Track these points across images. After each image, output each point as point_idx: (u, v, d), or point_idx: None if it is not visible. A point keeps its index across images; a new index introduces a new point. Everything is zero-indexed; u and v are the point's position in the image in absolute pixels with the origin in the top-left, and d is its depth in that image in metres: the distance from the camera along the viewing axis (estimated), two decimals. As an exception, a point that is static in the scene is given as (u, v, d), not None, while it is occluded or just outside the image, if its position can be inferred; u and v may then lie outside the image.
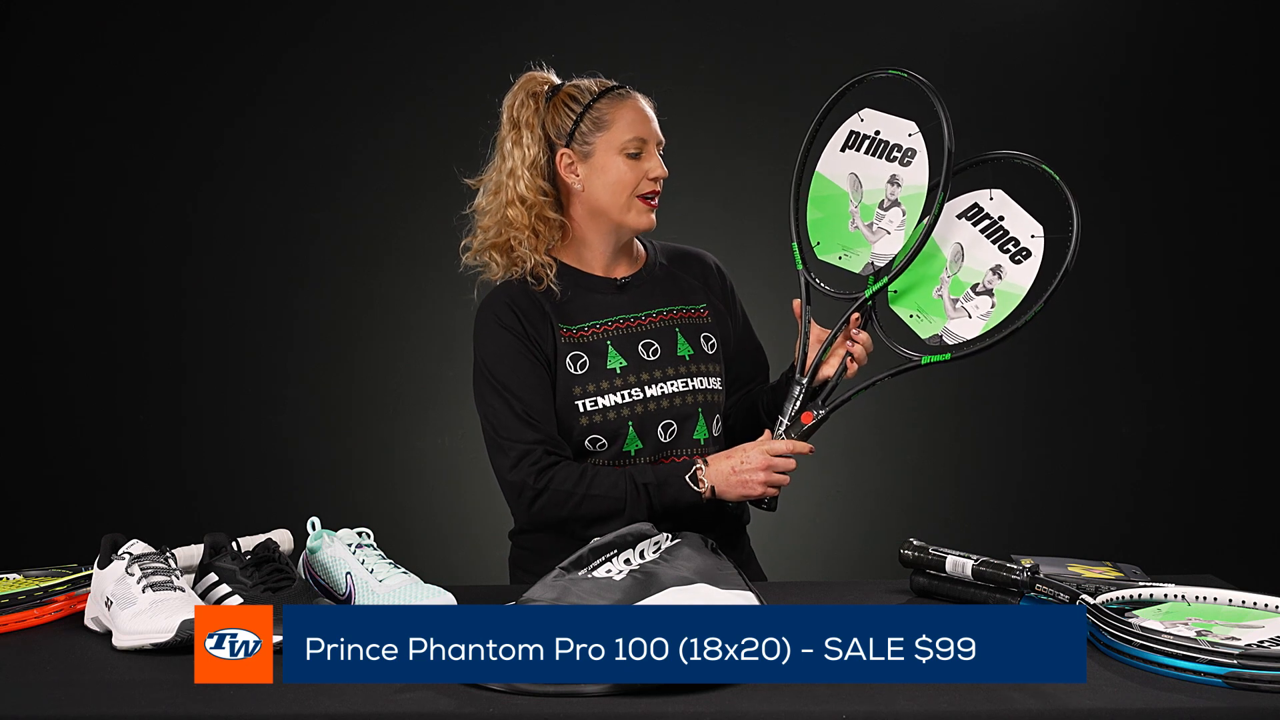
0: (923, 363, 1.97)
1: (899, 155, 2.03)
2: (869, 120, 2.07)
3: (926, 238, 1.99)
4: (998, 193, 2.00)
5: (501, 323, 2.06)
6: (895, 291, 2.04)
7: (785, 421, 2.03)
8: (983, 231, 2.00)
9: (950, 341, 1.98)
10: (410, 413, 3.98)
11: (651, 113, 2.10)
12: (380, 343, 3.99)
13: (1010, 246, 1.97)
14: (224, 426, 3.99)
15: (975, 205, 2.01)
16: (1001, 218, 1.99)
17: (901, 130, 2.03)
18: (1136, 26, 3.91)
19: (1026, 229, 1.97)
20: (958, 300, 1.99)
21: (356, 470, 3.99)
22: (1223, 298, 3.94)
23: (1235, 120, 3.91)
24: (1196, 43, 3.90)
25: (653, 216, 2.08)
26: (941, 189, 1.96)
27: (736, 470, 1.99)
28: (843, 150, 2.09)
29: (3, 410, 3.96)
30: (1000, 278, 1.97)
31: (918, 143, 2.01)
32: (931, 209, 1.97)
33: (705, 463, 2.02)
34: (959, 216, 2.02)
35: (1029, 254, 1.96)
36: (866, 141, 2.06)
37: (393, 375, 3.99)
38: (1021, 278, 1.95)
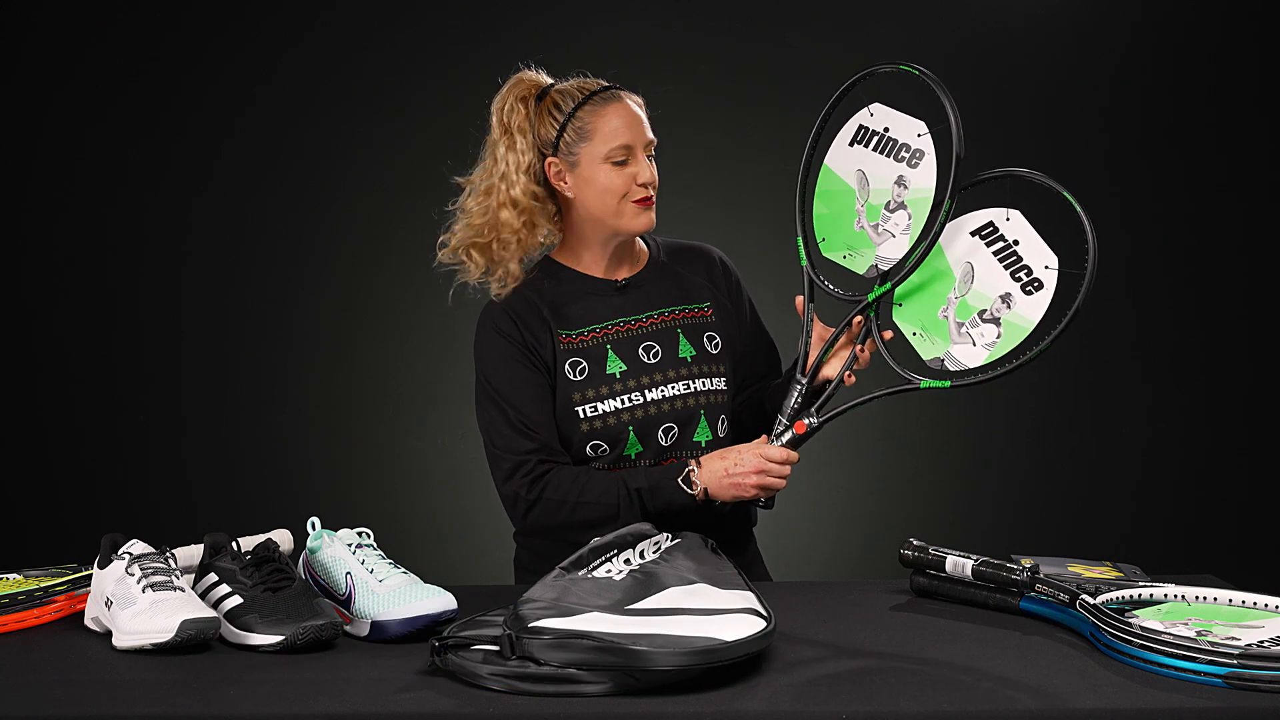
0: (921, 387, 1.92)
1: (907, 156, 1.96)
2: (879, 115, 2.00)
3: (931, 246, 1.93)
4: (1015, 214, 1.91)
5: (499, 330, 2.06)
6: (900, 305, 1.99)
7: (784, 422, 2.01)
8: (995, 254, 1.91)
9: (952, 367, 1.92)
10: (410, 413, 3.98)
11: (639, 113, 2.05)
12: (380, 343, 3.99)
13: (1023, 275, 1.89)
14: (224, 426, 3.99)
15: (990, 224, 1.92)
16: (1016, 242, 1.90)
17: (911, 130, 1.96)
18: (1136, 27, 3.90)
19: (1041, 258, 1.87)
20: (963, 325, 1.93)
21: (356, 470, 3.99)
22: (1223, 298, 3.94)
23: (1235, 120, 3.91)
24: (1196, 43, 3.90)
25: (650, 216, 2.05)
26: (948, 197, 1.89)
27: (729, 472, 1.96)
28: (851, 145, 2.02)
29: (3, 410, 3.96)
30: (1009, 307, 1.89)
31: (926, 144, 1.94)
32: (938, 217, 1.91)
33: (699, 464, 2.00)
34: (972, 234, 1.93)
35: (1041, 285, 1.87)
36: (875, 138, 1.99)
37: (393, 375, 3.99)
38: (1031, 310, 1.87)
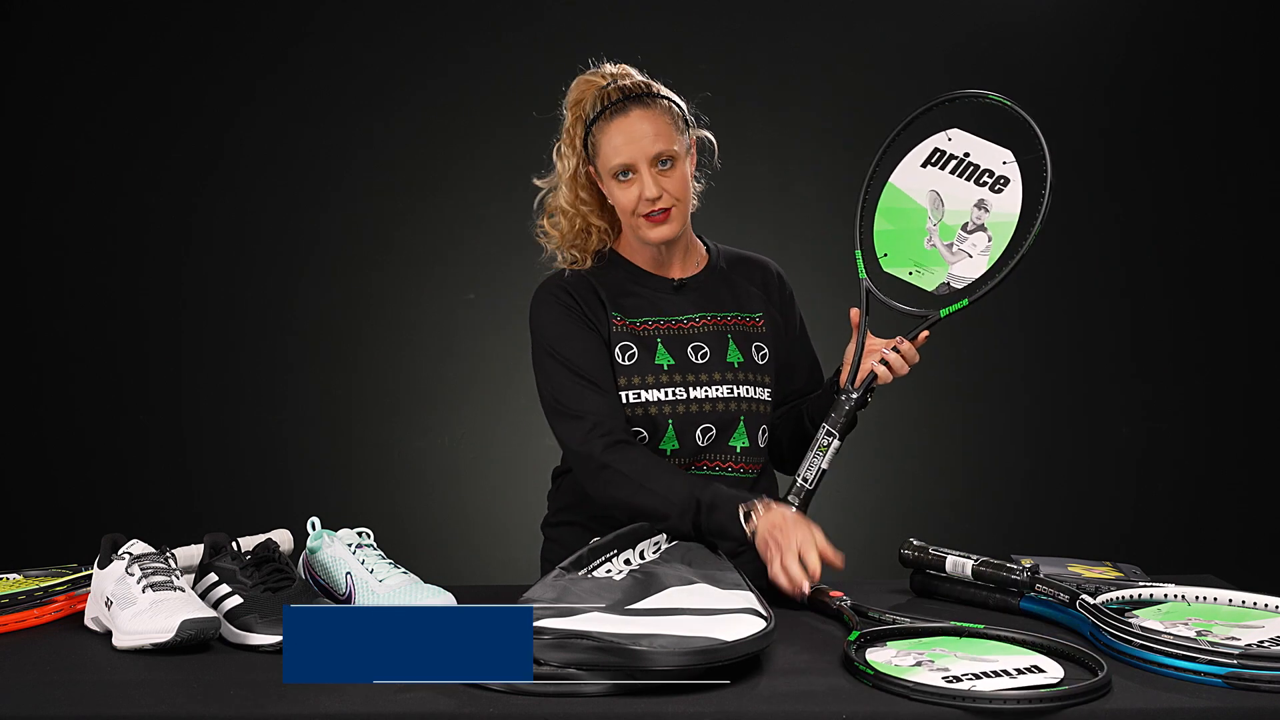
0: (942, 315, 1.96)
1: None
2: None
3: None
4: (954, 131, 2.00)
5: (560, 301, 2.08)
6: (885, 255, 2.03)
7: (801, 491, 1.97)
8: (953, 172, 2.00)
9: (958, 286, 1.96)
10: (410, 413, 3.98)
11: (643, 126, 2.00)
12: (380, 343, 3.99)
13: (986, 178, 1.97)
14: (224, 426, 3.99)
15: (936, 150, 2.02)
16: (967, 154, 2.00)
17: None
18: (1136, 26, 3.91)
19: (996, 157, 1.98)
20: (952, 244, 1.98)
21: (356, 470, 3.99)
22: (1222, 297, 3.94)
23: (1235, 120, 3.91)
24: (1197, 42, 3.90)
25: (662, 230, 2.04)
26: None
27: (778, 526, 1.85)
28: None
29: (3, 410, 3.96)
30: (987, 210, 1.96)
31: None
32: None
33: (766, 506, 1.89)
34: (923, 165, 2.02)
35: (1007, 180, 1.96)
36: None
37: (393, 375, 3.99)
38: (1009, 204, 1.95)
